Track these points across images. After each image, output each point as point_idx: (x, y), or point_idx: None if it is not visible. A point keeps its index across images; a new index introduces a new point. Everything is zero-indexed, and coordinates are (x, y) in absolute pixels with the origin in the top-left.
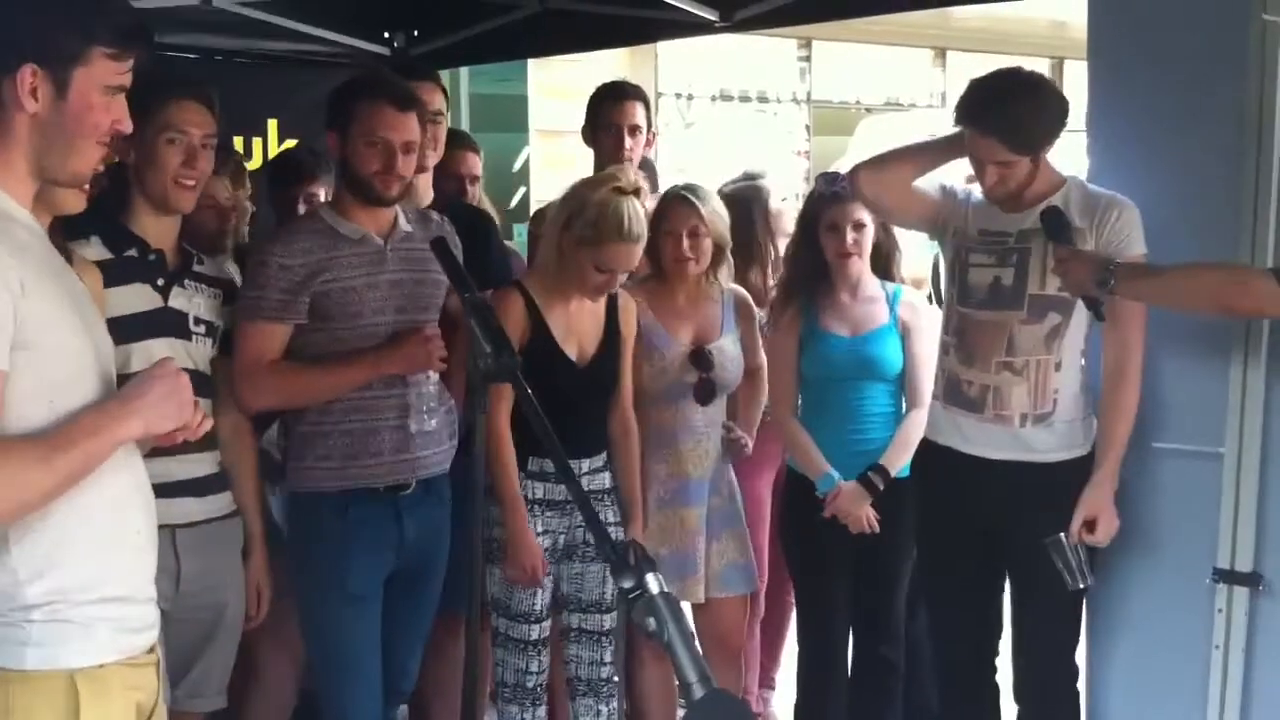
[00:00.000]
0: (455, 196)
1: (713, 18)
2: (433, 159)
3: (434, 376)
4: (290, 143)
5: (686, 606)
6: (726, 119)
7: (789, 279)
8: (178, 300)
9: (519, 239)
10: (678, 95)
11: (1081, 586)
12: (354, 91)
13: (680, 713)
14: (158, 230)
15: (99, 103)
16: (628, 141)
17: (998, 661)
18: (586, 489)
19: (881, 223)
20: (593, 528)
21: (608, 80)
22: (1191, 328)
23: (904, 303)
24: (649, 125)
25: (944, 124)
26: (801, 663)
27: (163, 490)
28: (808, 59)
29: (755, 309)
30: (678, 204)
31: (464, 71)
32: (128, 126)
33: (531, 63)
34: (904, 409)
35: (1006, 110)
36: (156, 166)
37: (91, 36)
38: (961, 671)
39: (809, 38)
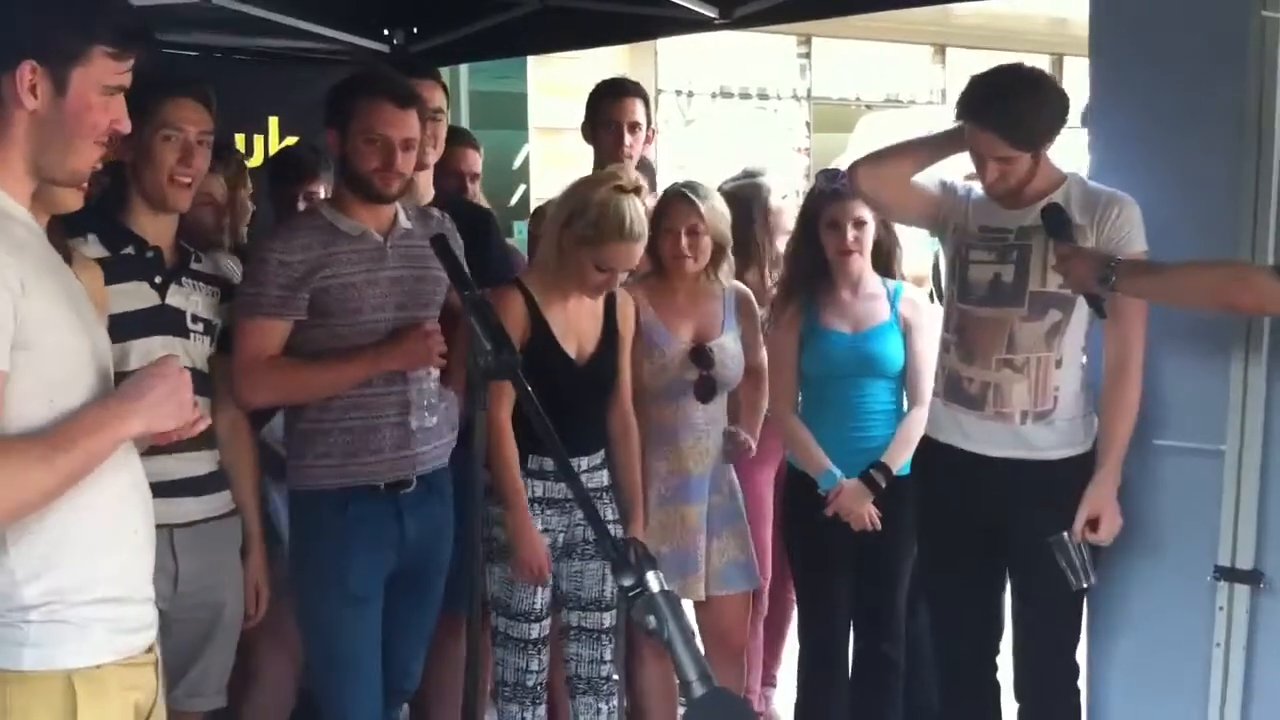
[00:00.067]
0: (455, 194)
1: (712, 15)
2: (433, 156)
3: (434, 373)
4: (291, 140)
5: (688, 604)
6: (726, 116)
7: (790, 276)
8: (175, 298)
9: (519, 236)
10: (678, 92)
11: (1085, 585)
12: (353, 89)
13: (681, 711)
14: (155, 228)
15: (98, 102)
16: (627, 139)
17: (998, 659)
18: (585, 486)
19: (882, 220)
20: (593, 525)
21: (607, 77)
22: (1192, 325)
23: (905, 300)
24: (649, 122)
25: (944, 121)
26: (802, 660)
27: (161, 489)
28: (808, 56)
29: (757, 307)
30: (677, 201)
31: (464, 69)
32: (126, 126)
33: (531, 60)
34: (905, 406)
35: (1007, 106)
36: (153, 164)
37: (92, 35)
38: (962, 669)
39: (809, 34)
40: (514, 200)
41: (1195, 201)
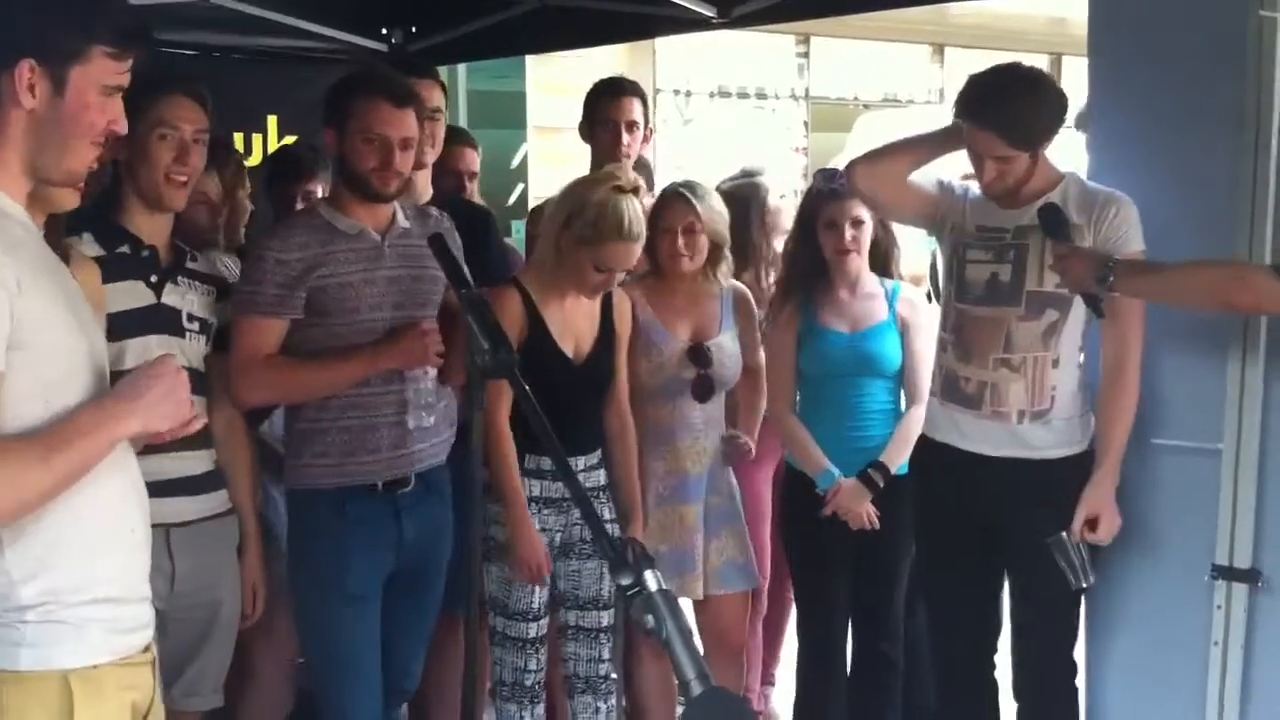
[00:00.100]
0: (454, 193)
1: (711, 14)
2: (431, 156)
3: (431, 373)
4: (290, 139)
5: (687, 604)
6: (725, 115)
7: (787, 276)
8: (171, 297)
9: (517, 235)
10: (676, 92)
11: (1085, 585)
12: (351, 88)
13: (680, 710)
14: (150, 227)
15: (96, 102)
16: (625, 138)
17: (996, 658)
18: (582, 486)
19: (880, 219)
20: (591, 524)
21: (605, 76)
22: (1190, 324)
23: (903, 299)
24: (646, 121)
25: (942, 120)
26: (801, 659)
27: (157, 489)
28: (806, 55)
29: (754, 307)
30: (675, 201)
31: (462, 68)
32: (123, 127)
33: (529, 59)
34: (903, 406)
35: (1006, 105)
36: (148, 162)
37: (92, 35)
38: (960, 668)
39: (807, 34)
40: (512, 199)
41: (1194, 201)
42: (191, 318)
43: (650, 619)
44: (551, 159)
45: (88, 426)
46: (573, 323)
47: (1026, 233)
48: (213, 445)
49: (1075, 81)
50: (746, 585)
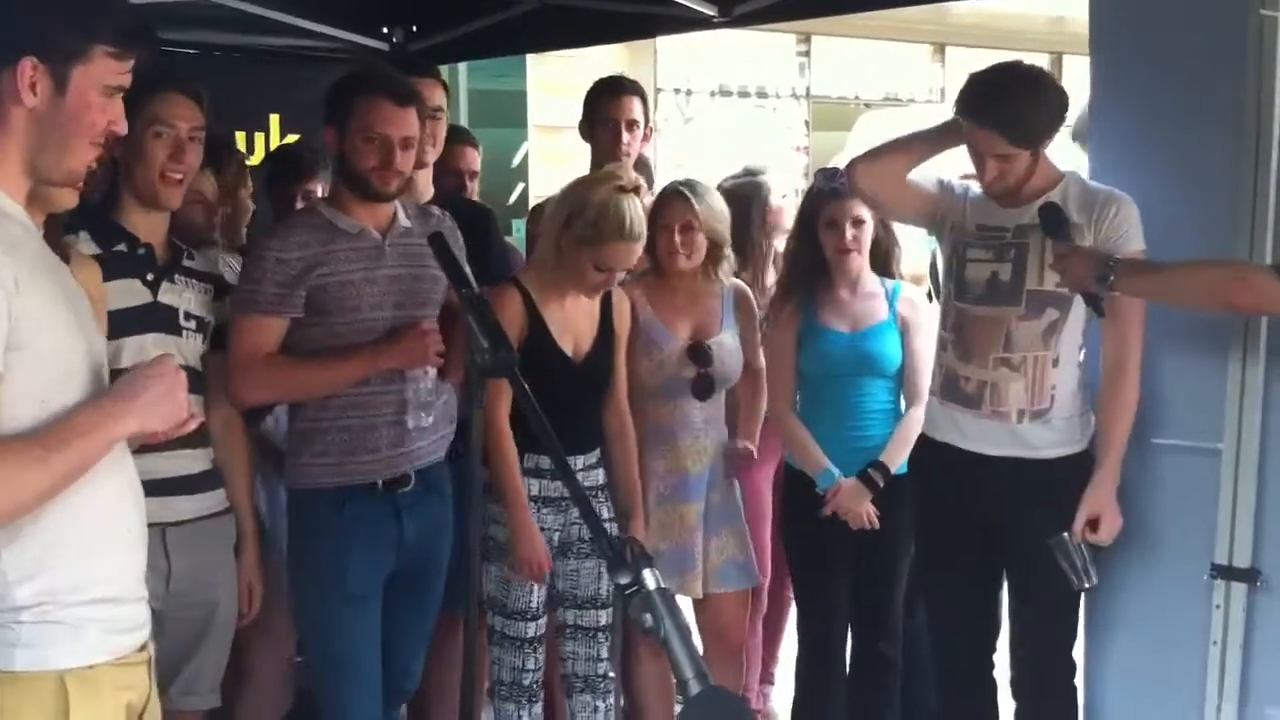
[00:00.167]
0: (455, 192)
1: (711, 13)
2: (432, 155)
3: (431, 372)
4: (293, 138)
5: (687, 603)
6: (725, 114)
7: (788, 275)
8: (167, 295)
9: (518, 235)
10: (676, 91)
11: (1087, 586)
12: (352, 87)
13: (678, 709)
14: (147, 225)
15: (97, 102)
16: (625, 136)
17: (995, 657)
18: (581, 485)
19: (880, 219)
20: (590, 523)
21: (605, 75)
22: (1190, 324)
23: (903, 299)
24: (646, 120)
25: (943, 120)
26: (801, 659)
27: (154, 488)
28: (807, 54)
29: (755, 306)
30: (673, 199)
31: (462, 67)
32: (123, 128)
33: (530, 58)
34: (903, 405)
35: (1006, 103)
36: (143, 160)
37: (94, 34)
38: (959, 667)
39: (808, 33)
40: (513, 198)
41: (1194, 200)
42: (188, 316)
43: (648, 618)
44: (552, 158)
45: (85, 426)
46: (572, 322)
47: (1027, 232)
48: (210, 444)
49: (1076, 81)
50: (746, 584)
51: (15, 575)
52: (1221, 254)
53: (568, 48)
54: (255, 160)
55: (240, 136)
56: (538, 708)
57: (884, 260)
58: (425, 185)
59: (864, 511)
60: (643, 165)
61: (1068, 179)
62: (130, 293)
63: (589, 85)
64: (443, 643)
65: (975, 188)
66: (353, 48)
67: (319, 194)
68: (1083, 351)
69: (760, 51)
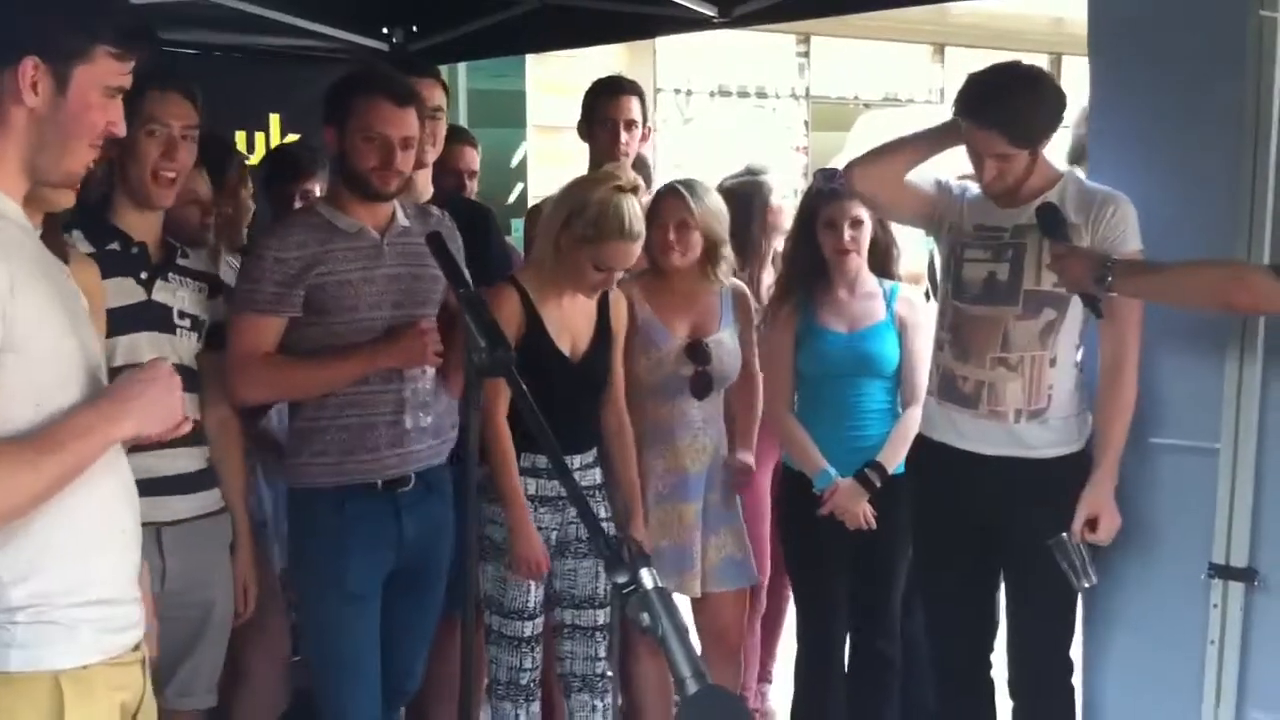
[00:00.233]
0: (454, 192)
1: (711, 13)
2: (432, 155)
3: (430, 372)
4: (293, 138)
5: (685, 602)
6: (725, 115)
7: (787, 275)
8: (161, 294)
9: (517, 234)
10: (676, 91)
11: (1086, 585)
12: (351, 86)
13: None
14: (140, 224)
15: (98, 103)
16: (623, 136)
17: (993, 657)
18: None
19: (879, 219)
20: (587, 523)
21: (603, 75)
22: (1188, 324)
23: (901, 299)
24: (644, 120)
25: (941, 121)
26: (800, 658)
27: (149, 487)
28: (806, 55)
29: (753, 306)
30: (670, 197)
31: (462, 67)
32: (122, 130)
33: (529, 58)
34: (900, 405)
35: (1005, 103)
36: (136, 159)
37: (96, 34)
38: (957, 667)
39: (807, 33)
40: (512, 198)
41: (1193, 201)
42: (183, 314)
43: (646, 617)
44: (551, 158)
45: (80, 430)
46: (570, 321)
47: (1024, 232)
48: (206, 443)
49: (1075, 82)
50: (744, 583)
51: (9, 577)
52: (1220, 254)
53: (567, 48)
54: (255, 160)
55: (240, 136)
56: (535, 706)
57: (882, 260)
58: (425, 185)
59: (861, 511)
60: (641, 165)
61: (1066, 179)
62: (124, 291)
63: (588, 85)
64: (442, 642)
65: (973, 188)
66: (352, 48)
67: (317, 194)
68: (1080, 351)
69: (760, 52)
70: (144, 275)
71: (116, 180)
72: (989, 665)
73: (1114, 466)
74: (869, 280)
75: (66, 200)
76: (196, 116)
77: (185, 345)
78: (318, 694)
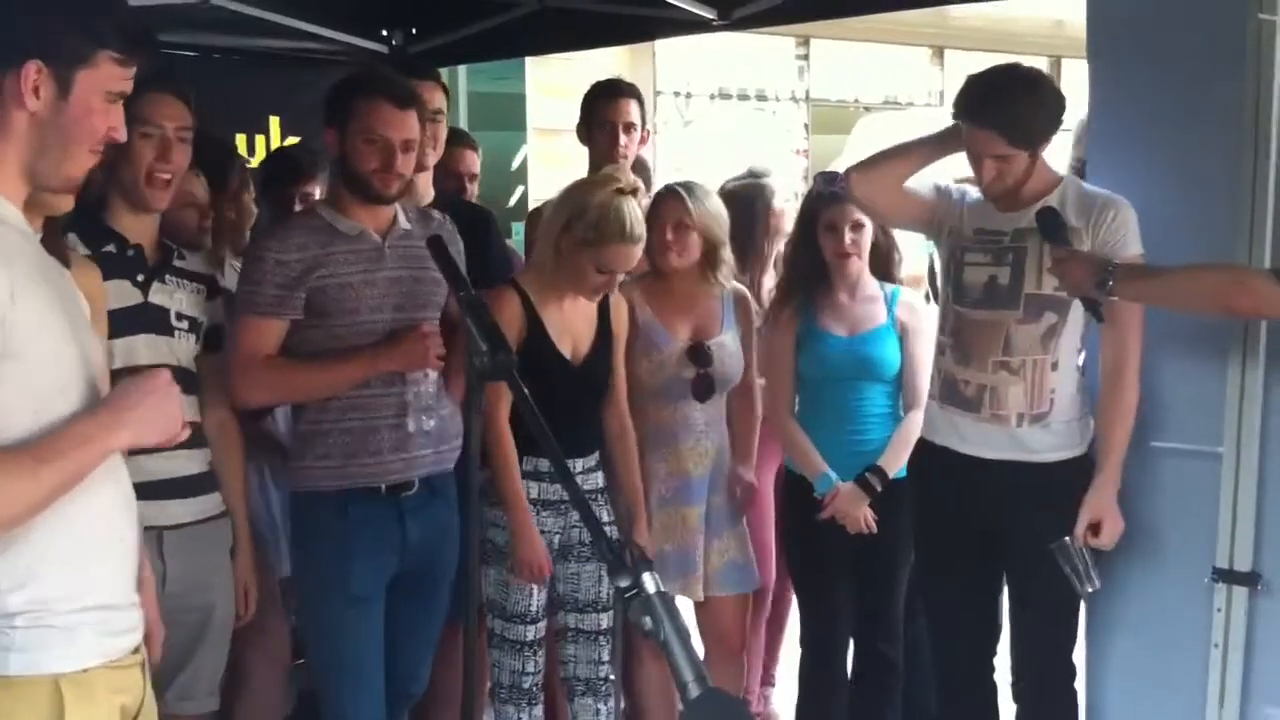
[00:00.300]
0: (454, 194)
1: (711, 16)
2: (433, 158)
3: (432, 375)
4: (293, 140)
5: (688, 605)
6: (725, 118)
7: (787, 278)
8: (158, 296)
9: (517, 237)
10: (676, 94)
11: (1090, 590)
12: (352, 89)
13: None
14: (136, 226)
15: (99, 108)
16: (622, 139)
17: (996, 661)
18: (580, 488)
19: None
20: (589, 526)
21: (603, 78)
22: (1190, 328)
23: (902, 303)
24: (644, 123)
25: (942, 123)
26: (803, 662)
27: (150, 490)
28: (806, 57)
29: (754, 310)
30: (668, 198)
31: (462, 70)
32: (123, 135)
33: (529, 61)
34: (902, 409)
35: (1005, 104)
36: (131, 161)
37: (100, 39)
38: (960, 671)
39: (807, 36)
40: (512, 201)
41: (1193, 203)
42: (180, 316)
43: (648, 621)
44: (551, 161)
45: (79, 439)
46: (571, 324)
47: (1025, 235)
48: (206, 445)
49: (1074, 84)
50: (746, 588)
51: (7, 584)
52: (1220, 257)
53: (567, 50)
54: (255, 163)
55: (240, 139)
56: (538, 710)
57: (883, 264)
58: (425, 188)
59: (861, 516)
60: (641, 168)
61: (1066, 182)
62: (120, 294)
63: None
64: (445, 646)
65: (972, 192)
66: (352, 50)
67: (316, 196)
68: (1082, 355)
69: (760, 54)
70: (140, 277)
71: (111, 183)
72: (992, 669)
73: (1116, 471)
74: (870, 283)
75: (66, 204)
76: (190, 118)
77: (183, 347)
78: (320, 697)
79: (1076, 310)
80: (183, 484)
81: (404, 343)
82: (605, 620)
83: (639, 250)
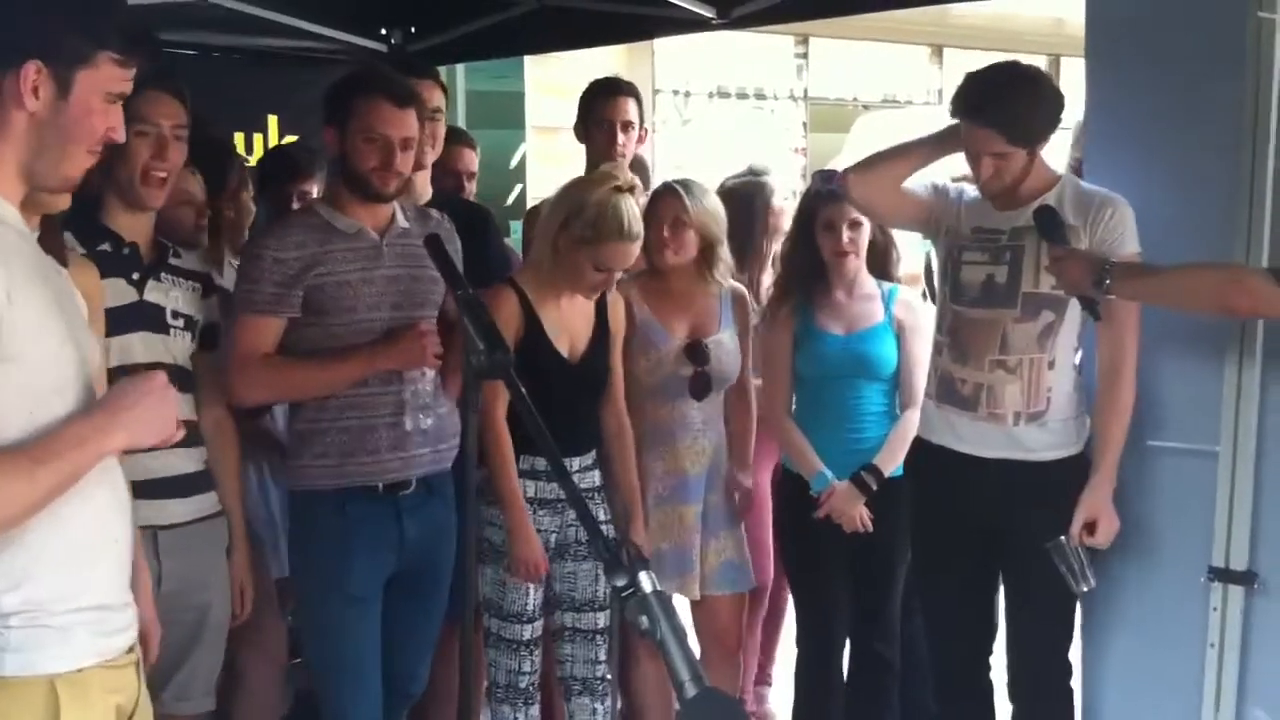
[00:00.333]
0: (453, 193)
1: (710, 14)
2: (431, 156)
3: (430, 374)
4: (291, 139)
5: (684, 604)
6: (723, 116)
7: (785, 277)
8: (154, 294)
9: (515, 236)
10: (675, 92)
11: (1085, 589)
12: (352, 87)
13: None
14: (131, 225)
15: (98, 108)
16: (620, 138)
17: (992, 660)
18: (577, 487)
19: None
20: (586, 525)
21: (601, 77)
22: (1187, 327)
23: (899, 301)
24: (641, 121)
25: (941, 121)
26: (800, 661)
27: (146, 489)
28: (805, 56)
29: (751, 309)
30: (665, 195)
31: (460, 68)
32: (122, 136)
33: (528, 59)
34: (899, 408)
35: (1004, 102)
36: (126, 160)
37: (100, 40)
38: (957, 670)
39: (806, 34)
40: (510, 199)
41: (1192, 203)
42: (176, 314)
43: (645, 620)
44: (550, 159)
45: (74, 440)
46: (569, 323)
47: (1023, 234)
48: (203, 443)
49: (1074, 83)
50: (742, 588)
51: (2, 585)
52: (1218, 256)
53: (566, 49)
54: (253, 162)
55: (239, 138)
56: (534, 709)
57: (881, 262)
58: (424, 187)
59: (857, 515)
60: (639, 166)
61: (1064, 181)
62: (116, 292)
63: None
64: (442, 645)
65: (970, 190)
66: (351, 49)
67: (314, 195)
68: (1079, 354)
69: (758, 53)
70: (136, 276)
71: (107, 181)
72: (988, 668)
73: (1113, 469)
74: (867, 282)
75: (62, 203)
76: (186, 116)
77: (179, 345)
78: (319, 697)
79: (1074, 309)
80: (178, 483)
81: (401, 341)
82: (602, 619)
83: (637, 248)
